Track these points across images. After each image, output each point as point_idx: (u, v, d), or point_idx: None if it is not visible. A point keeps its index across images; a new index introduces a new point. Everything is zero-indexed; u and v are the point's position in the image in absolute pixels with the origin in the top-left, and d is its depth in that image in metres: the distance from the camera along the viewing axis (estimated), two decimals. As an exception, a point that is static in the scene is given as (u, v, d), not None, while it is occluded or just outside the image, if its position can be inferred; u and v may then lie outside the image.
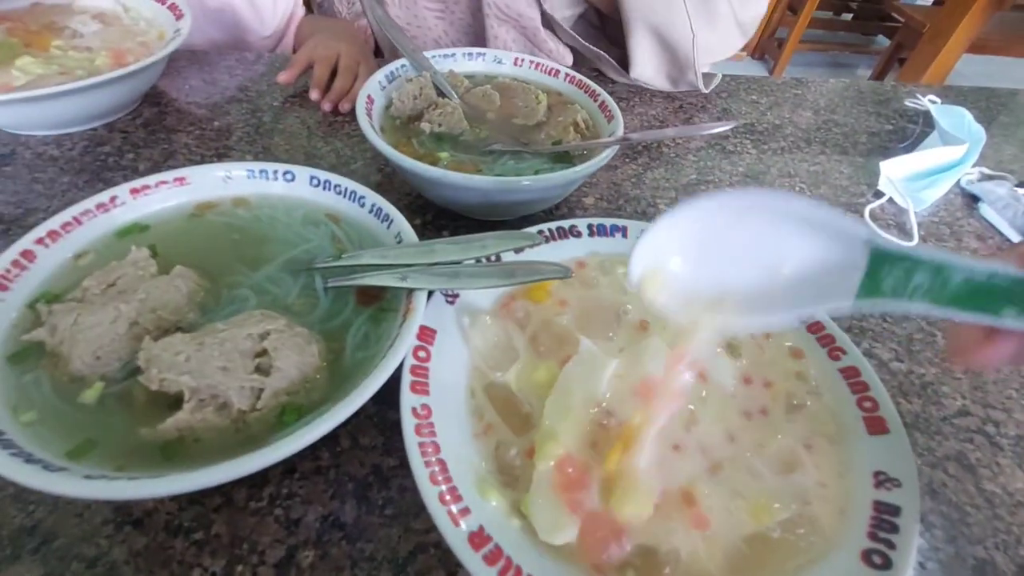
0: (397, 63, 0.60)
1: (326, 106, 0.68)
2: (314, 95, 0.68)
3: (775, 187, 0.68)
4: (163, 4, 0.67)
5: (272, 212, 0.44)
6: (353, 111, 0.69)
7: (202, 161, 0.59)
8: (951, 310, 0.24)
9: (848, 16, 3.66)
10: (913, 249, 0.25)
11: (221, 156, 0.60)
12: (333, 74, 0.71)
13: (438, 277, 0.36)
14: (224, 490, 0.35)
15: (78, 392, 0.31)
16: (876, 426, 0.33)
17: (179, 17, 0.65)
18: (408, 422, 0.31)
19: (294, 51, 0.85)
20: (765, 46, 3.35)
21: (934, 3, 2.99)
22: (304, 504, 0.35)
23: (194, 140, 0.62)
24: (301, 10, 0.87)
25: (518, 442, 0.33)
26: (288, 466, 0.36)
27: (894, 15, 3.39)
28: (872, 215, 0.65)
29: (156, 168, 0.57)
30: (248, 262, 0.40)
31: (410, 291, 0.36)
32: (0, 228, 0.49)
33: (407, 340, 0.33)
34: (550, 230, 0.44)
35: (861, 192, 0.69)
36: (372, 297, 0.38)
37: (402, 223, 0.41)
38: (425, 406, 0.32)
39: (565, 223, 0.45)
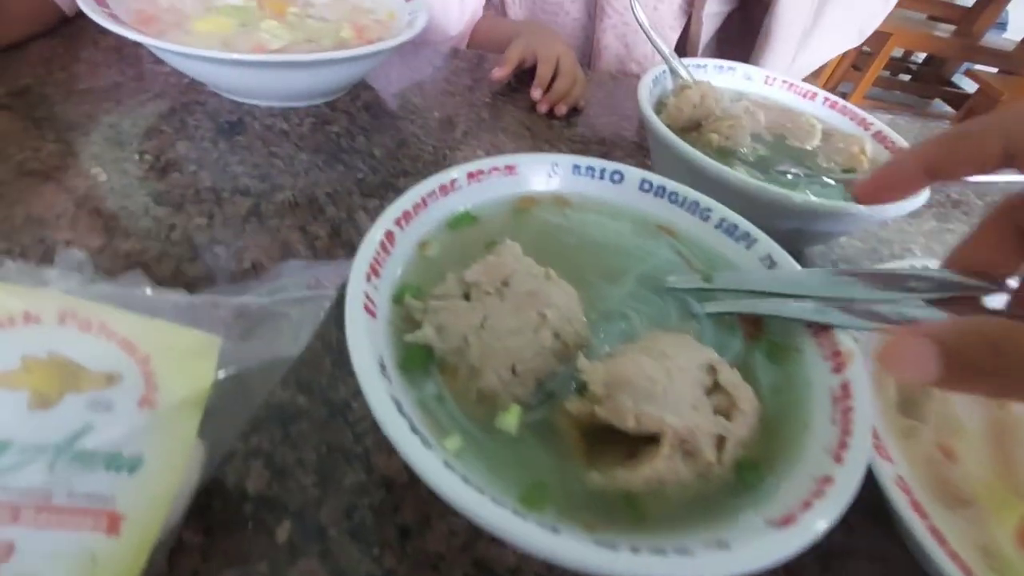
0: (658, 69, 0.55)
1: (543, 107, 0.63)
2: (536, 94, 0.63)
3: None
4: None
5: (598, 217, 0.38)
6: (568, 115, 0.65)
7: (435, 152, 0.54)
8: None
9: (906, 77, 3.67)
10: None
11: (452, 149, 0.55)
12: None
13: (871, 319, 0.30)
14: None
15: (490, 416, 0.25)
16: None
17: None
18: (899, 498, 0.25)
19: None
20: (827, 98, 3.35)
21: (999, 71, 2.99)
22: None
23: (420, 129, 0.57)
24: (481, 11, 0.83)
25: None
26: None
27: (954, 81, 3.41)
28: None
29: (391, 154, 0.52)
30: (600, 273, 0.34)
31: (827, 328, 0.30)
32: (250, 202, 0.44)
33: (864, 391, 0.27)
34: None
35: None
36: (756, 329, 0.32)
37: (771, 245, 0.35)
38: (900, 477, 0.26)
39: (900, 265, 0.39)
